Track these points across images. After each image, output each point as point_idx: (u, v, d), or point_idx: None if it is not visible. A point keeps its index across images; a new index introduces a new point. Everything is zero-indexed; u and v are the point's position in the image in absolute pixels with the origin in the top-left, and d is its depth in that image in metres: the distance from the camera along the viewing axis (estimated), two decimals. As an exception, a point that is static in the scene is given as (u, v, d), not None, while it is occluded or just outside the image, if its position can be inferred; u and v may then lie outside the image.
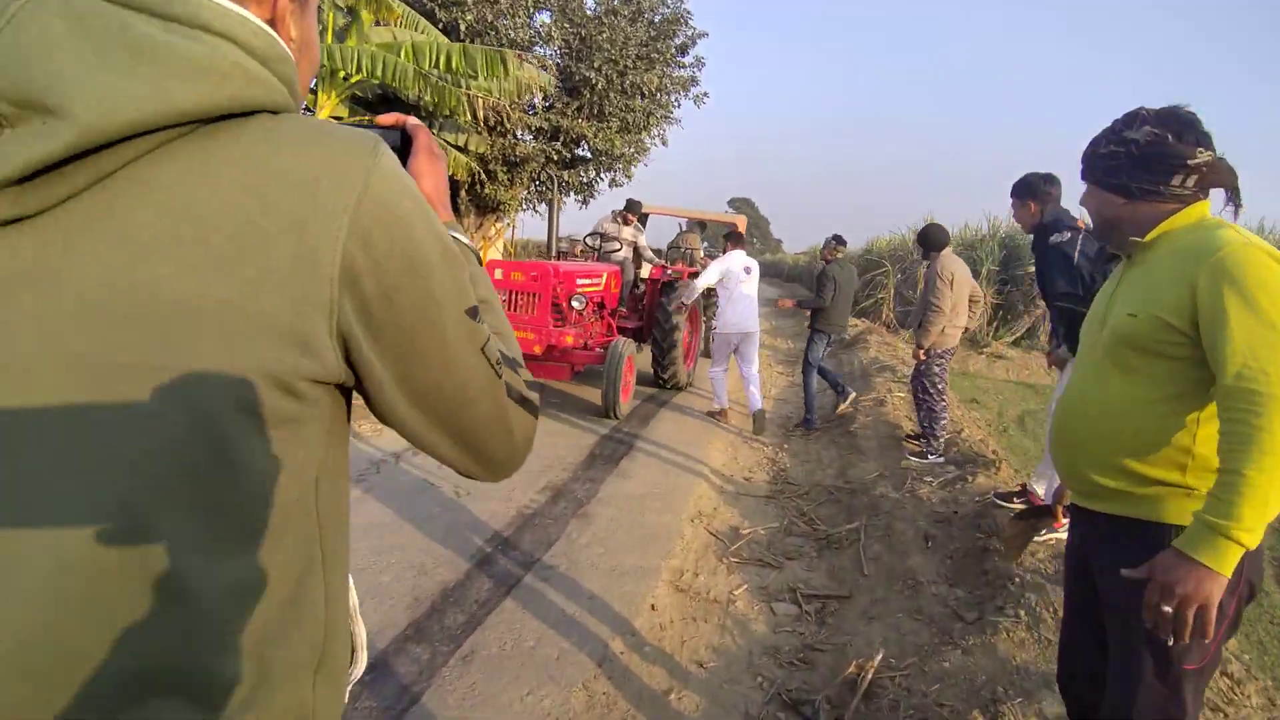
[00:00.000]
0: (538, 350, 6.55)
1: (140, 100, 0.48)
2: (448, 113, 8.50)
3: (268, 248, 0.52)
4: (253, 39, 0.55)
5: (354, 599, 0.72)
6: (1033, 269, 13.74)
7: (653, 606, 3.23)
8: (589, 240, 9.07)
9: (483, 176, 12.00)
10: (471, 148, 10.36)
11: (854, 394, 7.33)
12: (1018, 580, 3.19)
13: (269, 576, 0.57)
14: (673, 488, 4.86)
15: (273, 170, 0.53)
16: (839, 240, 7.10)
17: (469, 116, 8.63)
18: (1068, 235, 3.41)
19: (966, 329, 5.88)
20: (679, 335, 7.78)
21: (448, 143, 9.89)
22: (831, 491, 5.01)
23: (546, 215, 14.96)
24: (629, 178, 14.45)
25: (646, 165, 14.46)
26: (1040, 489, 3.87)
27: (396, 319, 0.59)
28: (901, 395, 7.64)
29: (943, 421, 5.49)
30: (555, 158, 12.72)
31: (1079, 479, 1.60)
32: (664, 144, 14.30)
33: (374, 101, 8.68)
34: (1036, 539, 3.52)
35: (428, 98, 7.42)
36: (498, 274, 6.92)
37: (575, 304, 7.00)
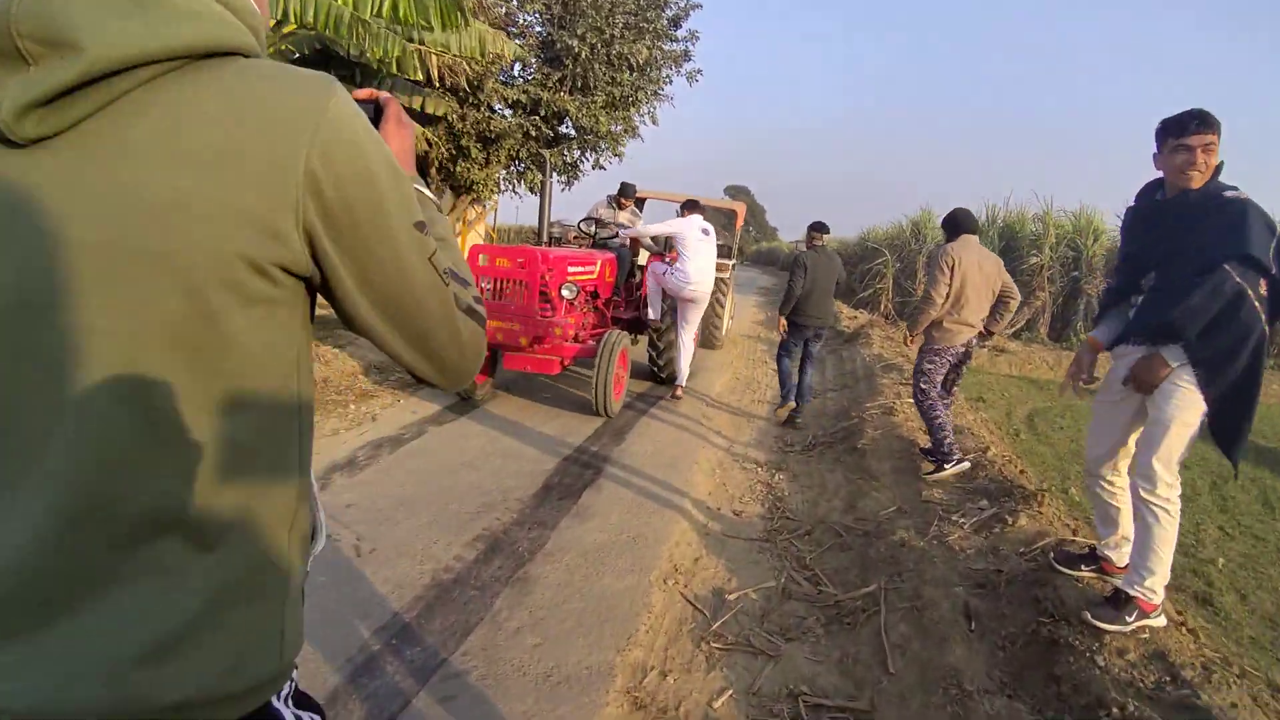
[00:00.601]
0: (524, 341, 5.94)
1: (139, 38, 0.61)
2: (394, 69, 7.40)
3: (245, 157, 0.64)
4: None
5: (316, 486, 0.85)
6: (1036, 259, 13.54)
7: (598, 740, 2.30)
8: (583, 226, 8.28)
9: (453, 153, 10.96)
10: (430, 110, 9.15)
11: (794, 406, 6.76)
12: (1111, 701, 2.26)
13: (258, 439, 0.71)
14: (643, 531, 3.93)
15: (248, 97, 0.66)
16: (819, 227, 6.65)
17: (420, 74, 7.57)
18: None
19: (989, 331, 4.96)
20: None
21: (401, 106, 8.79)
22: (840, 532, 4.08)
23: (536, 198, 13.56)
24: (618, 157, 13.30)
25: (636, 143, 13.34)
26: (1117, 557, 2.95)
27: (353, 223, 0.70)
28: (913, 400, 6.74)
29: (939, 422, 4.82)
30: (535, 134, 11.60)
31: None
32: (654, 123, 13.16)
33: (310, 57, 7.59)
34: (1119, 624, 2.60)
35: (369, 49, 6.39)
36: (481, 260, 6.21)
37: (565, 293, 6.25)
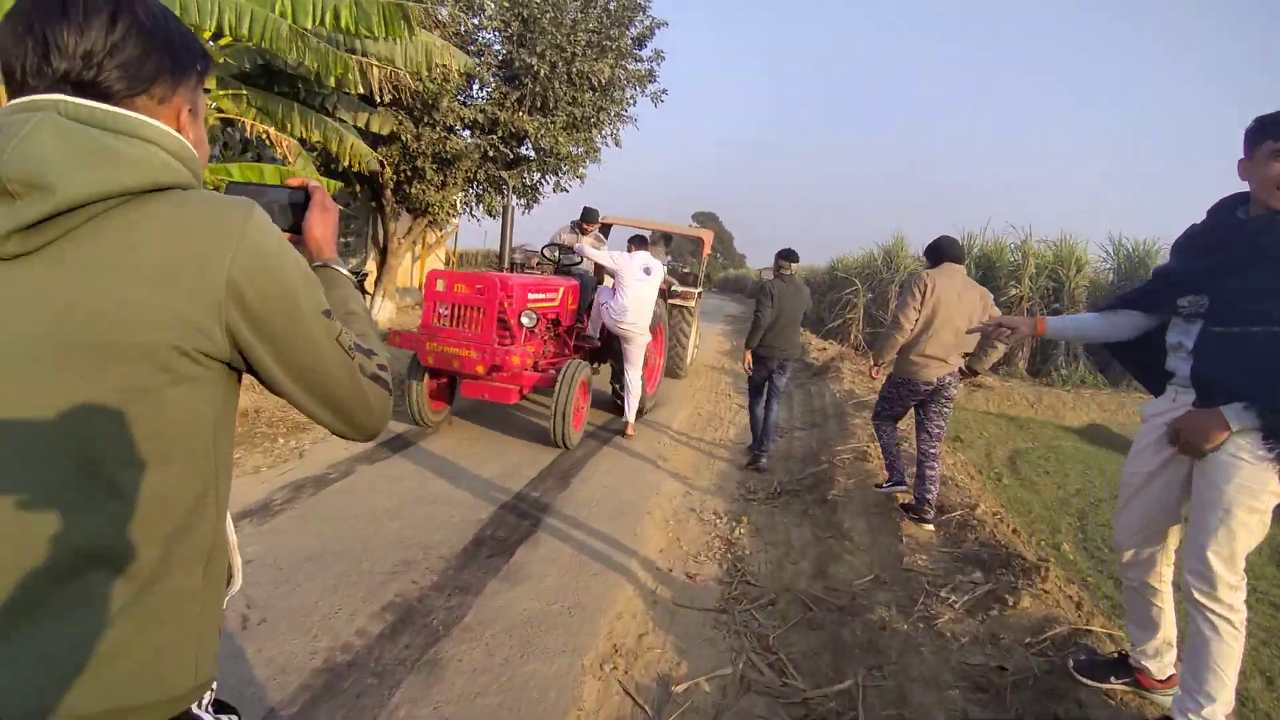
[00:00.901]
0: (480, 370, 5.56)
1: (98, 181, 0.77)
2: (333, 83, 6.87)
3: (177, 272, 0.80)
4: (169, 142, 0.86)
5: (233, 534, 1.00)
6: (1015, 290, 13.42)
7: None
8: (547, 252, 7.82)
9: (408, 174, 10.39)
10: (375, 128, 8.69)
11: (765, 460, 6.22)
12: None
13: (178, 489, 0.84)
14: (581, 599, 3.37)
15: (180, 223, 0.82)
16: (787, 255, 6.24)
17: (360, 87, 7.03)
18: None
19: (972, 370, 4.56)
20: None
21: (344, 122, 8.19)
22: (808, 604, 3.53)
23: (498, 221, 13.40)
24: (580, 179, 12.35)
25: (602, 165, 12.39)
26: (1157, 668, 2.43)
27: (270, 318, 0.86)
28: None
29: (884, 445, 4.95)
30: (493, 155, 10.95)
31: None
32: (616, 144, 12.38)
33: (252, 73, 7.06)
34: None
35: (308, 62, 5.87)
36: (439, 285, 5.85)
37: (525, 321, 5.91)
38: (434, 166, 10.27)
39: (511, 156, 11.55)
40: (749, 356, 6.21)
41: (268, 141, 6.79)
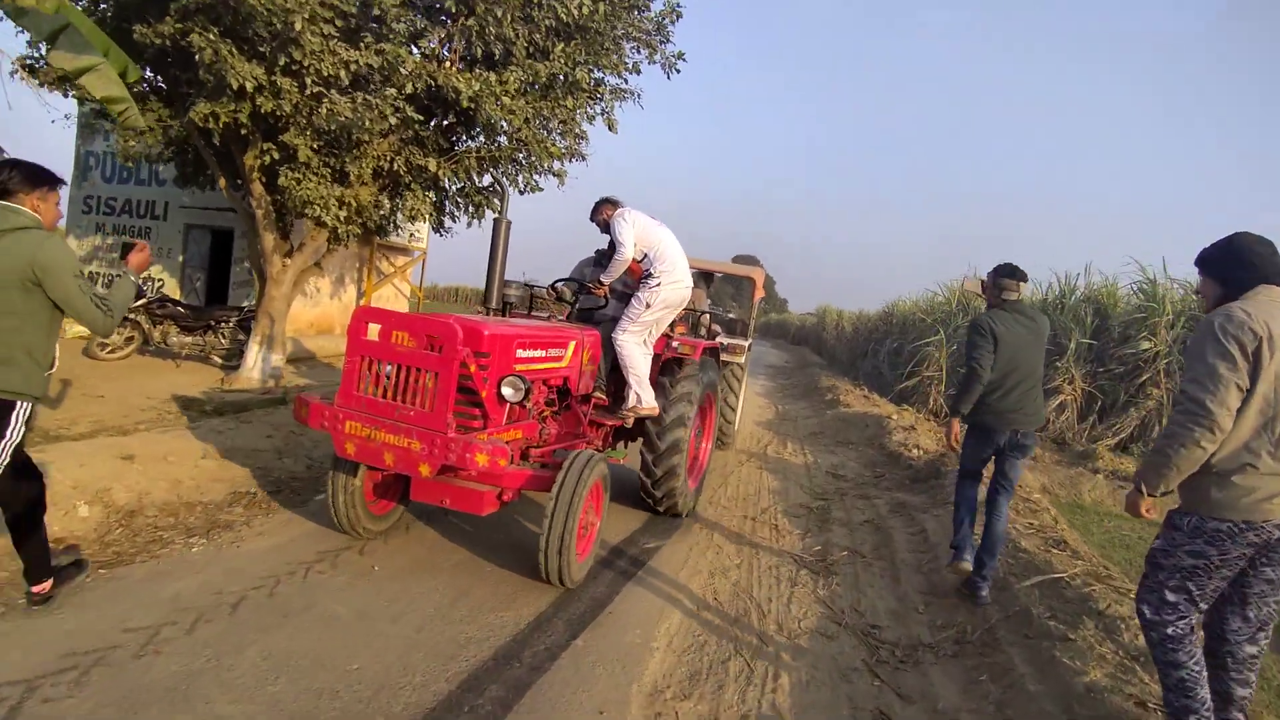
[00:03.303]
0: (425, 471, 3.59)
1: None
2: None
3: (20, 259, 2.77)
4: (31, 218, 2.88)
5: (57, 349, 3.06)
6: (1148, 345, 10.04)
7: None
8: (560, 287, 5.85)
9: (275, 156, 6.93)
10: (132, 77, 5.73)
11: (986, 591, 4.24)
12: None
13: (39, 327, 2.88)
14: None
15: (25, 241, 2.79)
16: (1010, 272, 4.40)
17: None
18: None
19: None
20: (682, 432, 5.18)
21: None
22: None
23: (476, 244, 10.25)
24: (557, 178, 8.32)
25: (583, 161, 8.36)
26: None
27: (50, 280, 2.80)
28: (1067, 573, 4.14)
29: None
30: (417, 130, 7.01)
31: None
32: (610, 128, 8.33)
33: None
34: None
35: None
36: (370, 332, 3.77)
37: (508, 392, 3.93)
38: (310, 141, 6.64)
39: (447, 144, 7.88)
40: (957, 430, 4.44)
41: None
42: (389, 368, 3.72)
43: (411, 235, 14.21)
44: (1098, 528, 6.11)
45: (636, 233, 5.00)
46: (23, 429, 2.88)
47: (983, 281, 4.66)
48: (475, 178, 8.25)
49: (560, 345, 4.64)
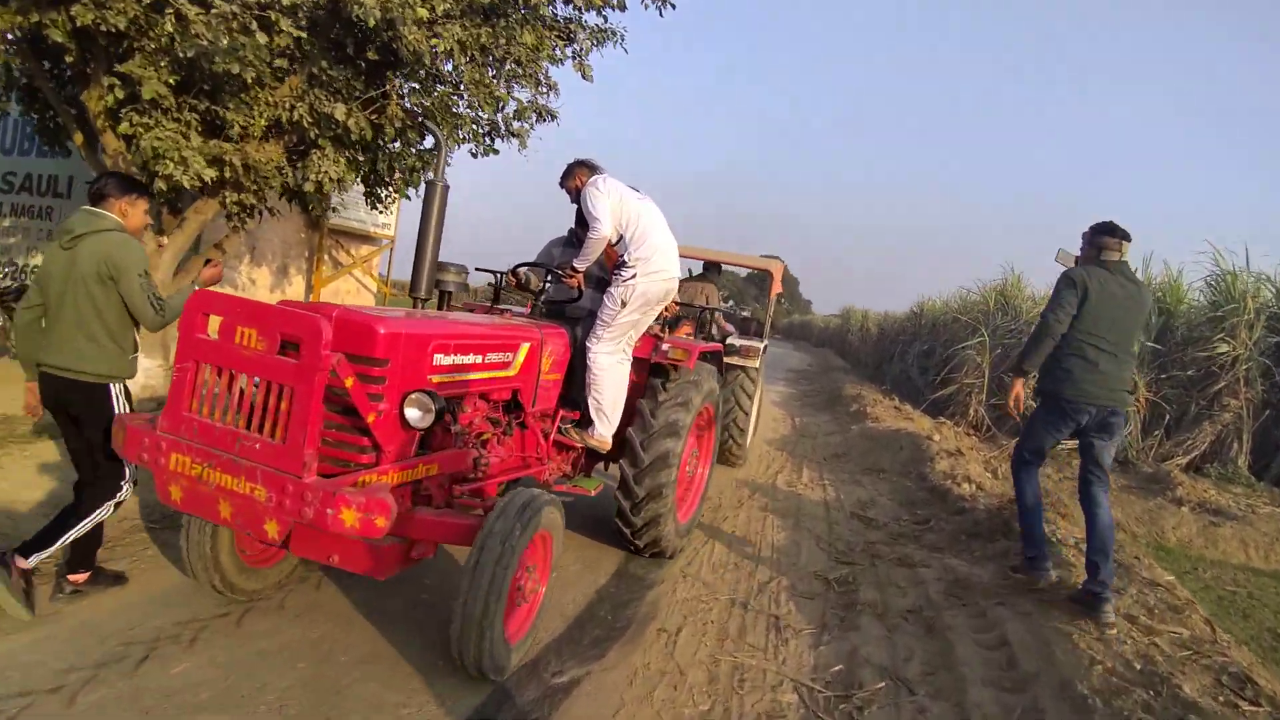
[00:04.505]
0: (272, 533, 2.58)
1: (93, 228, 3.11)
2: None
3: (98, 259, 3.04)
4: (114, 221, 3.16)
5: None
6: (1226, 348, 8.36)
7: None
8: (525, 272, 4.58)
9: (118, 96, 4.99)
10: None
11: (1051, 573, 4.04)
12: None
13: (120, 316, 3.09)
14: None
15: (104, 243, 3.07)
16: (1110, 229, 3.92)
17: None
18: None
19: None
20: (674, 443, 4.17)
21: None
22: None
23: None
24: (518, 140, 6.55)
25: (553, 120, 6.54)
26: None
27: (120, 276, 3.03)
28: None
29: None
30: (318, 66, 5.38)
31: None
32: (584, 75, 6.46)
33: None
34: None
35: None
36: (211, 327, 2.71)
37: (412, 414, 2.81)
38: (172, 80, 4.87)
39: (355, 87, 5.79)
40: (1019, 388, 4.12)
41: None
42: (241, 379, 2.62)
43: (379, 219, 11.71)
44: (1193, 580, 4.88)
45: (612, 205, 3.92)
46: (126, 405, 3.19)
47: (1075, 256, 4.13)
48: (409, 135, 6.54)
49: (507, 348, 3.55)
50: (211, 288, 3.21)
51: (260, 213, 6.18)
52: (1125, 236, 3.87)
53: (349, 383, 2.57)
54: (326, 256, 10.91)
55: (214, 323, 2.66)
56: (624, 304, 3.91)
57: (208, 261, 3.51)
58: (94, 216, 3.09)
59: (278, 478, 2.44)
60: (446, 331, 3.14)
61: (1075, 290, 3.78)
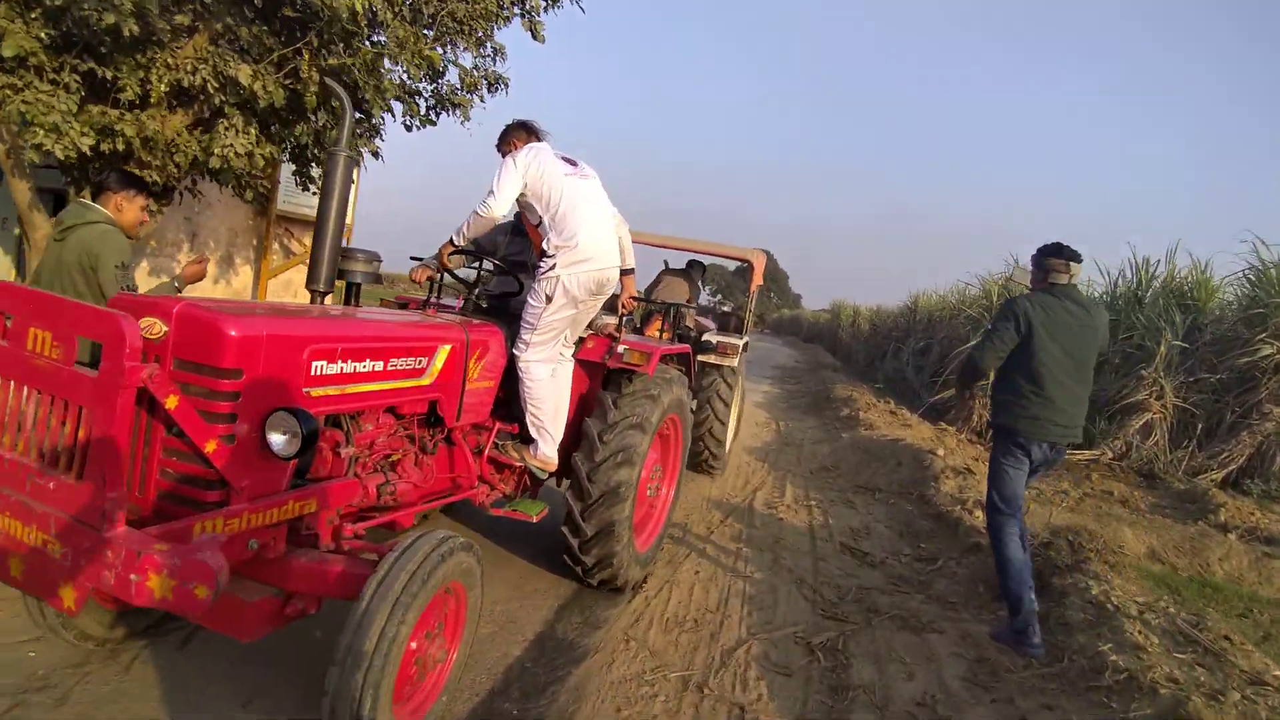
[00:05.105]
0: (68, 600, 1.86)
1: (85, 219, 3.35)
2: None
3: (81, 249, 3.24)
4: (103, 214, 3.37)
5: None
6: (1269, 350, 7.81)
7: None
8: (449, 262, 3.87)
9: None
10: None
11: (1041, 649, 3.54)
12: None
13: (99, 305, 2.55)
14: None
15: (90, 234, 3.28)
16: (1057, 251, 3.81)
17: None
18: None
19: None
20: (628, 473, 3.63)
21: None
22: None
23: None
24: (459, 110, 5.90)
25: (503, 91, 5.89)
26: None
27: (98, 266, 3.20)
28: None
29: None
30: (222, 21, 4.77)
31: None
32: (534, 35, 5.96)
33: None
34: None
35: None
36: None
37: (276, 440, 2.16)
38: (45, 35, 4.24)
39: (272, 35, 5.15)
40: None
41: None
42: (35, 397, 2.03)
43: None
44: (1250, 626, 4.25)
45: (528, 179, 3.31)
46: None
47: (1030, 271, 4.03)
48: (333, 105, 5.64)
49: (418, 351, 2.95)
50: (191, 281, 3.54)
51: (181, 194, 5.53)
52: (1074, 258, 3.78)
53: (172, 402, 1.98)
54: (276, 245, 10.21)
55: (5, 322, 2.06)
56: (548, 299, 3.32)
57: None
58: (85, 209, 3.30)
59: (75, 529, 1.85)
60: (330, 333, 2.54)
61: (1013, 324, 3.70)
